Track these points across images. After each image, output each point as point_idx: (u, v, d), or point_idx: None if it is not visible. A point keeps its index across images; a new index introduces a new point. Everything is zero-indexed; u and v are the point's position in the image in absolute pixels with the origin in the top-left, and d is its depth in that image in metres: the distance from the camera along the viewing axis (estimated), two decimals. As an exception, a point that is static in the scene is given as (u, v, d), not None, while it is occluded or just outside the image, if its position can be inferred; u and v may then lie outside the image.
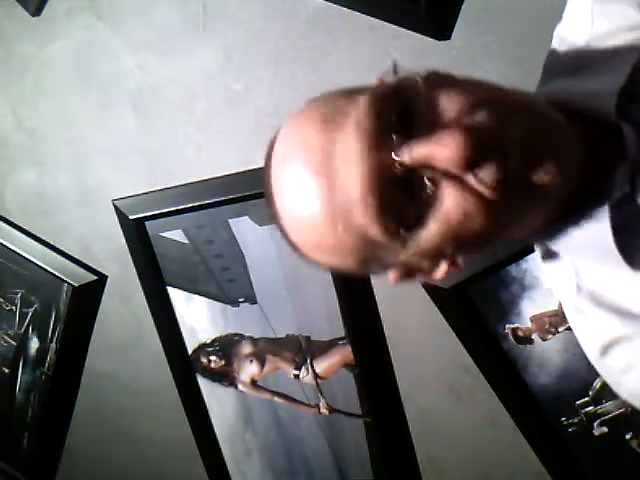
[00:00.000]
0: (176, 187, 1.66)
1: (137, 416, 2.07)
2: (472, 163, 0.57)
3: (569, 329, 1.36)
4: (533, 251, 1.32)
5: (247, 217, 1.62)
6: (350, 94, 0.62)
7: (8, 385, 2.18)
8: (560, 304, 0.80)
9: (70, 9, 1.63)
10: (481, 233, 0.61)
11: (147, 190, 1.71)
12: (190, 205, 1.65)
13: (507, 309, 1.40)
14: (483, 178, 0.58)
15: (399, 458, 1.69)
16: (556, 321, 1.37)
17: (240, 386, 1.84)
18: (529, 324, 1.39)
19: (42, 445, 2.19)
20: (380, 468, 1.72)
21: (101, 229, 1.83)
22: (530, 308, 1.38)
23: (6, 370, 2.18)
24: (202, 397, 1.89)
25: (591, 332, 0.74)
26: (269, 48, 1.44)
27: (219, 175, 1.60)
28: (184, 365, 1.87)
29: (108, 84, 1.66)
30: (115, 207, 1.76)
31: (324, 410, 1.74)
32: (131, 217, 1.74)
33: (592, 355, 0.75)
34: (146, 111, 1.64)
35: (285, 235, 0.68)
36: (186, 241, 1.73)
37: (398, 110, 0.59)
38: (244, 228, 1.64)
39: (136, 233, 1.75)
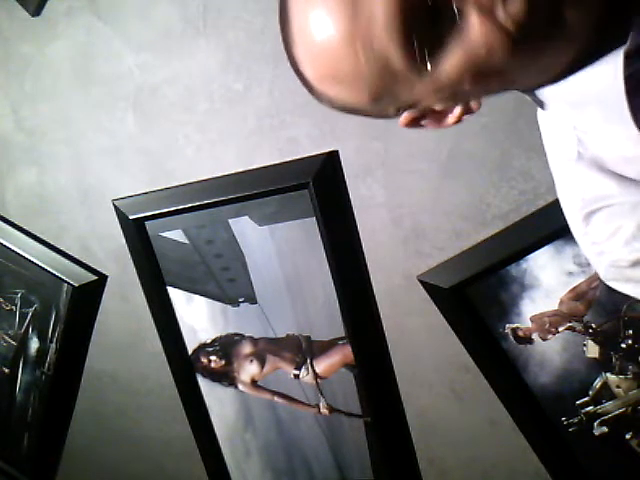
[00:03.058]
0: (176, 187, 1.66)
1: (137, 416, 2.07)
2: None
3: (569, 329, 1.36)
4: (533, 251, 1.33)
5: (247, 217, 1.62)
6: None
7: (8, 385, 2.18)
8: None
9: (70, 9, 1.63)
10: (500, 69, 0.60)
11: (147, 190, 1.71)
12: (190, 205, 1.65)
13: (507, 309, 1.40)
14: (510, 10, 0.57)
15: (399, 458, 1.69)
16: (556, 321, 1.37)
17: (240, 386, 1.84)
18: (529, 324, 1.39)
19: (42, 445, 2.19)
20: (380, 468, 1.72)
21: (101, 229, 1.83)
22: (530, 308, 1.38)
23: (6, 370, 2.18)
24: (202, 397, 1.89)
25: (581, 197, 0.73)
26: (269, 48, 1.44)
27: (219, 175, 1.60)
28: (184, 365, 1.87)
29: (108, 84, 1.66)
30: (115, 207, 1.76)
31: (324, 410, 1.74)
32: (131, 217, 1.74)
33: (577, 222, 0.75)
34: (146, 111, 1.64)
35: (297, 66, 0.67)
36: (186, 241, 1.73)
37: None
38: (244, 228, 1.64)
39: (136, 233, 1.75)
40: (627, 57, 0.63)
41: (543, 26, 0.59)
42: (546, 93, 0.71)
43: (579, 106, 0.70)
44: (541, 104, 0.74)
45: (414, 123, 0.70)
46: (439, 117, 0.69)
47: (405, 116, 0.68)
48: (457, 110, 0.68)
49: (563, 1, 0.58)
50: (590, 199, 0.73)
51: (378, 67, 0.60)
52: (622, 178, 0.69)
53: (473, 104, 0.68)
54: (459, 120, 0.69)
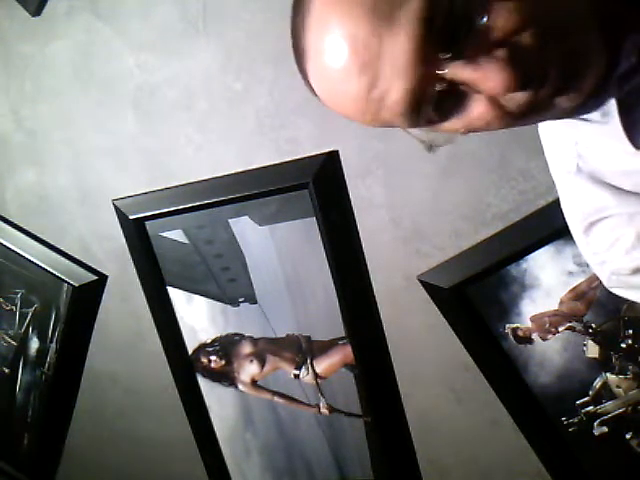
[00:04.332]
0: (176, 187, 1.66)
1: (137, 416, 2.07)
2: (513, 89, 0.59)
3: (569, 329, 1.36)
4: (533, 251, 1.33)
5: (247, 217, 1.62)
6: None
7: (8, 385, 2.19)
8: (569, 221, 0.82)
9: (70, 9, 1.63)
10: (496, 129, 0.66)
11: (147, 190, 1.71)
12: (190, 205, 1.65)
13: (507, 309, 1.40)
14: (515, 100, 0.61)
15: (399, 458, 1.69)
16: (556, 321, 1.37)
17: (240, 386, 1.84)
18: (529, 324, 1.39)
19: (42, 445, 2.20)
20: (380, 468, 1.72)
21: (101, 229, 1.83)
22: (530, 308, 1.38)
23: (6, 370, 2.18)
24: (202, 397, 1.90)
25: (581, 209, 0.76)
26: (269, 48, 1.44)
27: (219, 175, 1.60)
28: (184, 365, 1.87)
29: (108, 84, 1.66)
30: (115, 207, 1.76)
31: (324, 410, 1.74)
32: (131, 217, 1.74)
33: (578, 233, 0.77)
34: (146, 111, 1.64)
35: (308, 80, 0.70)
36: (186, 241, 1.74)
37: (446, 16, 0.59)
38: (244, 228, 1.64)
39: (136, 233, 1.76)
40: (621, 77, 0.65)
41: (542, 109, 0.63)
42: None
43: (577, 124, 0.72)
44: (546, 123, 0.77)
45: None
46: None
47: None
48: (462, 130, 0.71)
49: (565, 90, 0.61)
50: (589, 211, 0.75)
51: (382, 125, 0.66)
52: (618, 190, 0.72)
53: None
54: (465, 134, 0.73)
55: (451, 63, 0.59)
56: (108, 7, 1.59)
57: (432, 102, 0.62)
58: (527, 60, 0.58)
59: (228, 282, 1.74)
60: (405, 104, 0.61)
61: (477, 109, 0.62)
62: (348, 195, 1.49)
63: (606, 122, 0.69)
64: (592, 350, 1.36)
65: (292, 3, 0.69)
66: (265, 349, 1.76)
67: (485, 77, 0.58)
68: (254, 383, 1.81)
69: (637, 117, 0.67)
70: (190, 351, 1.85)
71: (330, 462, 1.81)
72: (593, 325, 1.34)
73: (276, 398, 1.80)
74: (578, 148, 0.74)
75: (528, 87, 0.59)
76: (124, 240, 1.79)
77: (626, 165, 0.70)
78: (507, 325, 1.41)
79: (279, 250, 1.62)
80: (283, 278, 1.65)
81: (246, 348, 1.78)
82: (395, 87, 0.60)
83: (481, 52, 0.58)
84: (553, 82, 0.60)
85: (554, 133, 0.77)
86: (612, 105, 0.67)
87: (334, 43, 0.61)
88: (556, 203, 1.31)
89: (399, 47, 0.58)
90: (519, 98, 0.60)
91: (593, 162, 0.73)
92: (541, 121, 0.70)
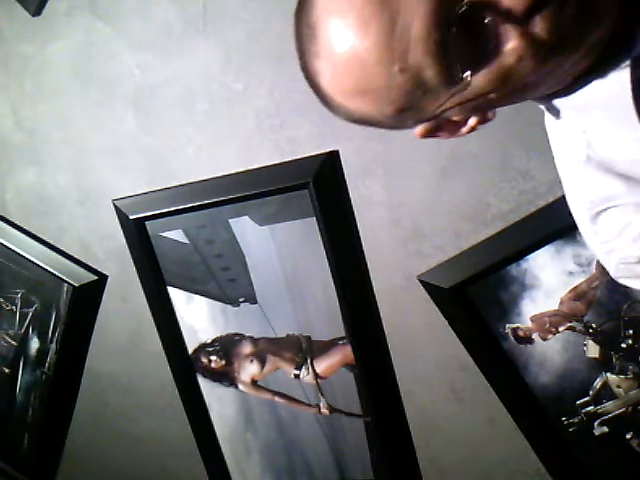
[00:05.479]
0: (176, 187, 1.66)
1: (137, 416, 2.07)
2: (533, 7, 0.57)
3: (569, 329, 1.36)
4: (533, 251, 1.33)
5: (247, 217, 1.62)
6: None
7: (8, 385, 2.18)
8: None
9: (70, 9, 1.63)
10: (528, 80, 0.62)
11: (147, 190, 1.71)
12: (190, 205, 1.65)
13: (507, 309, 1.40)
14: (540, 24, 0.58)
15: (399, 458, 1.69)
16: (556, 321, 1.37)
17: (240, 386, 1.84)
18: (529, 324, 1.39)
19: (42, 445, 2.19)
20: (380, 468, 1.72)
21: (101, 229, 1.83)
22: (530, 308, 1.38)
23: (6, 370, 2.18)
24: (202, 397, 1.89)
25: (589, 198, 0.75)
26: (269, 48, 1.44)
27: (219, 175, 1.60)
28: (184, 365, 1.87)
29: (108, 84, 1.66)
30: (115, 207, 1.76)
31: (324, 410, 1.74)
32: (131, 217, 1.74)
33: (585, 222, 0.77)
34: (146, 111, 1.64)
35: (316, 78, 0.66)
36: (186, 241, 1.73)
37: None
38: (244, 228, 1.64)
39: (136, 233, 1.75)
40: (633, 63, 0.65)
41: (569, 39, 0.60)
42: (556, 101, 0.73)
43: (588, 111, 0.72)
44: (555, 112, 0.76)
45: (430, 134, 0.71)
46: (454, 127, 0.71)
47: (422, 128, 0.70)
48: (473, 120, 0.69)
49: (586, 18, 0.60)
50: (598, 200, 0.75)
51: (411, 81, 0.61)
52: (630, 179, 0.71)
53: (490, 114, 0.70)
54: (473, 129, 0.71)
55: None
56: (108, 7, 1.59)
57: (460, 32, 0.58)
58: None
59: (228, 282, 1.74)
60: (430, 31, 0.58)
61: (509, 44, 0.59)
62: (348, 195, 1.49)
63: (615, 109, 0.68)
64: (592, 350, 1.36)
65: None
66: (265, 349, 1.76)
67: None
68: (254, 383, 1.81)
69: None
70: (190, 351, 1.85)
71: (330, 462, 1.81)
72: (593, 325, 1.34)
73: (276, 398, 1.80)
74: (587, 137, 0.73)
75: (548, 4, 0.58)
76: (124, 240, 1.79)
77: (636, 154, 0.70)
78: (507, 325, 1.41)
79: (279, 250, 1.62)
80: (283, 278, 1.65)
81: (246, 348, 1.78)
82: (417, 14, 0.58)
83: None
84: (573, 5, 0.58)
85: (562, 124, 0.77)
86: (626, 88, 0.66)
87: (348, 23, 0.60)
88: (556, 203, 1.31)
89: None
90: (545, 22, 0.58)
91: (602, 151, 0.73)
92: (570, 69, 0.65)
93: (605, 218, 0.75)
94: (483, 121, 0.70)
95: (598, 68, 0.67)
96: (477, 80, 0.61)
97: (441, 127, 0.70)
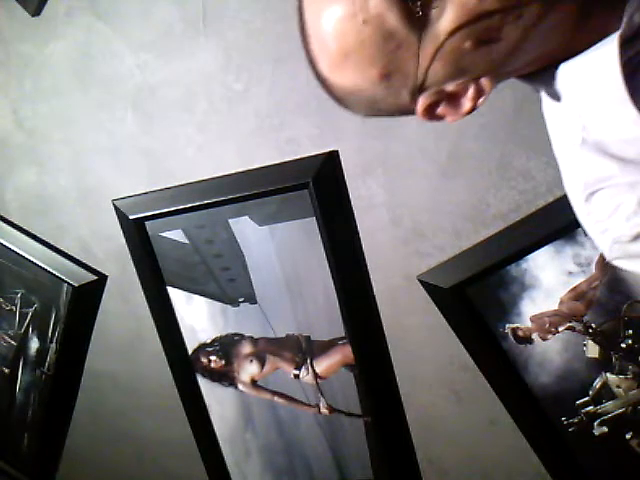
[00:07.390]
0: (176, 187, 1.66)
1: (137, 416, 2.07)
2: None
3: (569, 329, 1.36)
4: (533, 251, 1.33)
5: (247, 217, 1.62)
6: None
7: (8, 385, 2.18)
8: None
9: (70, 9, 1.63)
10: (496, 25, 0.63)
11: (147, 190, 1.71)
12: (190, 205, 1.65)
13: (507, 309, 1.40)
14: None
15: (399, 458, 1.69)
16: (556, 321, 1.37)
17: (240, 386, 1.84)
18: (529, 324, 1.39)
19: (42, 445, 2.19)
20: (380, 468, 1.72)
21: (101, 229, 1.83)
22: (530, 308, 1.38)
23: (6, 370, 2.18)
24: (202, 397, 1.90)
25: (584, 180, 0.76)
26: (269, 48, 1.44)
27: (219, 175, 1.60)
28: (184, 365, 1.87)
29: (108, 84, 1.66)
30: (115, 207, 1.76)
31: (324, 410, 1.74)
32: (131, 217, 1.74)
33: (579, 203, 0.78)
34: (146, 111, 1.64)
35: (314, 62, 0.71)
36: (186, 241, 1.74)
37: None
38: (244, 228, 1.64)
39: (136, 233, 1.75)
40: (623, 42, 0.66)
41: None
42: (553, 84, 0.74)
43: (582, 93, 0.73)
44: (552, 96, 0.77)
45: (431, 112, 0.73)
46: (455, 103, 0.72)
47: (421, 104, 0.71)
48: (470, 91, 0.70)
49: None
50: (592, 181, 0.76)
51: (378, 31, 0.65)
52: (622, 159, 0.72)
53: (484, 82, 0.70)
54: (475, 105, 0.71)
55: None
56: (108, 7, 1.59)
57: None
58: None
59: (228, 282, 1.74)
60: None
61: None
62: (348, 195, 1.49)
63: (607, 88, 0.69)
64: (592, 350, 1.36)
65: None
66: (265, 349, 1.76)
67: None
68: (254, 383, 1.81)
69: None
70: (190, 351, 1.85)
71: (330, 462, 1.81)
72: (593, 325, 1.34)
73: (276, 398, 1.80)
74: (582, 120, 0.74)
75: None
76: (124, 240, 1.79)
77: (630, 133, 0.71)
78: (507, 325, 1.41)
79: (279, 250, 1.62)
80: (283, 278, 1.65)
81: (246, 348, 1.78)
82: None
83: None
84: None
85: (558, 109, 0.78)
86: (616, 69, 0.67)
87: (325, 3, 0.66)
88: (556, 203, 1.31)
89: None
90: None
91: (597, 133, 0.74)
92: (549, 30, 0.66)
93: (599, 198, 0.76)
94: (480, 92, 0.71)
95: (584, 36, 0.67)
96: (443, 22, 0.63)
97: (440, 102, 0.71)
